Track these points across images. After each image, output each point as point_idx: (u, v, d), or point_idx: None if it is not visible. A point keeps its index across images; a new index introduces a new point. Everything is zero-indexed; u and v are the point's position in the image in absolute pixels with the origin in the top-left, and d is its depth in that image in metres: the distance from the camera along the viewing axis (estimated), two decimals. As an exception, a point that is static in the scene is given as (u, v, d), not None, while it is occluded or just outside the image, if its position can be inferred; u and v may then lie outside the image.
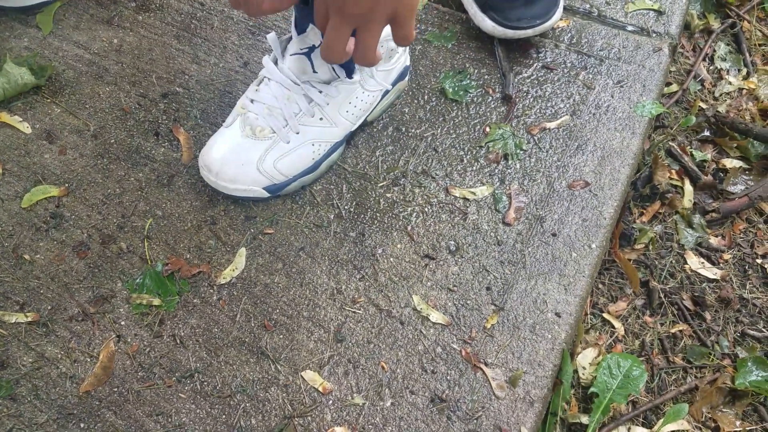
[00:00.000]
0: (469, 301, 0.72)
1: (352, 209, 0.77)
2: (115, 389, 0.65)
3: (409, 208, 0.78)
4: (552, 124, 0.85)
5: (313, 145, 0.74)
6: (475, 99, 0.86)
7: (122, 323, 0.68)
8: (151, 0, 0.91)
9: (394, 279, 0.73)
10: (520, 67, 0.89)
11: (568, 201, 0.79)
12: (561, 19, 0.95)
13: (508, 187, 0.80)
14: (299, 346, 0.69)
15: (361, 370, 0.68)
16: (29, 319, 0.68)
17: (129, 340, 0.68)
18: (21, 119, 0.79)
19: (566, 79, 0.89)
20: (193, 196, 0.76)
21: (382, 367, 0.68)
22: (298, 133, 0.73)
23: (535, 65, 0.90)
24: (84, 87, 0.82)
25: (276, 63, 0.73)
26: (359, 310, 0.71)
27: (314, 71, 0.70)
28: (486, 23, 0.89)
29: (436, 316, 0.71)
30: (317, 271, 0.73)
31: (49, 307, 0.69)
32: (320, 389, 0.66)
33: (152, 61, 0.85)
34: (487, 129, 0.84)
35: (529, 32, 0.88)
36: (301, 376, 0.67)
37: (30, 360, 0.66)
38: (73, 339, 0.67)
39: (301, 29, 0.69)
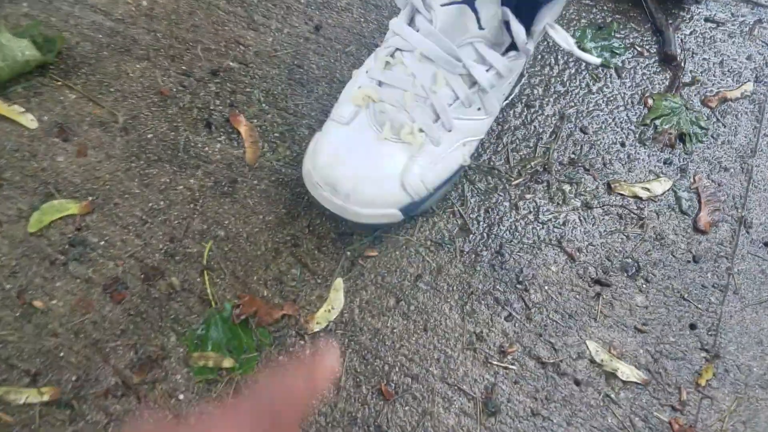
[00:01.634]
0: (668, 346, 0.51)
1: (480, 218, 0.56)
2: (177, 502, 0.44)
3: (561, 215, 0.56)
4: (734, 93, 0.63)
5: (464, 145, 0.51)
6: (627, 63, 0.64)
7: (180, 397, 0.47)
8: (186, -48, 0.69)
9: (555, 317, 0.52)
10: (677, 21, 0.67)
11: (777, 197, 0.57)
12: (719, -42, 0.73)
13: (693, 180, 0.58)
14: (435, 422, 0.47)
15: (530, 455, 0.46)
16: (45, 398, 0.46)
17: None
18: (23, 109, 0.58)
19: (740, 35, 0.66)
20: (264, 208, 0.55)
21: (560, 451, 0.47)
22: (450, 131, 0.50)
23: (695, 18, 0.68)
24: (107, 64, 0.61)
25: (410, 23, 0.50)
26: (513, 365, 0.50)
27: (480, 27, 0.47)
28: (632, -37, 0.67)
29: (626, 372, 0.49)
30: (445, 308, 0.52)
31: (74, 378, 0.47)
32: (475, 488, 0.45)
33: (195, 28, 0.63)
34: (650, 101, 0.62)
35: (692, -27, 0.66)
36: (445, 468, 0.46)
37: (49, 459, 0.45)
38: (111, 425, 0.46)
39: None
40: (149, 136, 0.57)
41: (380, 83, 0.49)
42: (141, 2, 0.64)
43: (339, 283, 0.52)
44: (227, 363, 0.48)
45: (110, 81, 0.60)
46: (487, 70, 0.49)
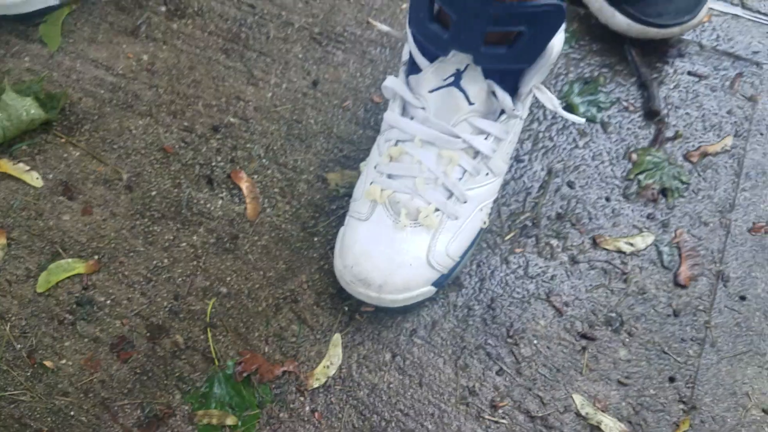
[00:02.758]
0: (649, 399, 0.55)
1: (472, 272, 0.60)
2: None
3: (550, 270, 0.60)
4: (714, 148, 0.68)
5: (481, 210, 0.56)
6: (612, 117, 0.69)
7: (187, 455, 0.51)
8: (187, 2, 0.72)
9: (544, 371, 0.56)
10: (660, 75, 0.72)
11: (753, 250, 0.62)
12: (701, 12, 0.77)
13: (674, 234, 0.62)
14: (430, 475, 0.51)
15: (519, 507, 0.50)
16: (57, 456, 0.50)
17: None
18: (28, 167, 0.61)
19: (721, 89, 0.71)
20: (264, 264, 0.58)
21: (548, 502, 0.51)
22: (466, 202, 0.54)
23: (678, 73, 0.72)
24: (109, 120, 0.64)
25: (403, 113, 0.54)
26: (503, 419, 0.54)
27: (470, 103, 0.51)
28: (618, 19, 0.71)
29: (609, 424, 0.54)
30: (439, 362, 0.56)
31: (84, 436, 0.51)
32: None
33: (196, 83, 0.66)
34: (634, 156, 0.67)
35: (676, 30, 0.70)
36: None
37: None
38: (120, 483, 0.49)
39: (433, 56, 0.51)
40: (153, 193, 0.61)
41: (390, 176, 0.53)
42: (141, 57, 0.68)
43: (337, 338, 0.56)
44: (230, 421, 0.51)
45: (113, 137, 0.63)
46: (485, 138, 0.53)
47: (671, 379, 0.56)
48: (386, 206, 0.52)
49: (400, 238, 0.52)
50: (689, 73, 0.72)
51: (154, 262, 0.58)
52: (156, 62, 0.68)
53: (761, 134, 0.68)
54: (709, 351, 0.57)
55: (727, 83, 0.71)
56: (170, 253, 0.58)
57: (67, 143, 0.62)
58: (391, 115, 0.54)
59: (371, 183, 0.54)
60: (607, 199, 0.64)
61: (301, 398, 0.53)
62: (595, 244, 0.61)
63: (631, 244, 0.62)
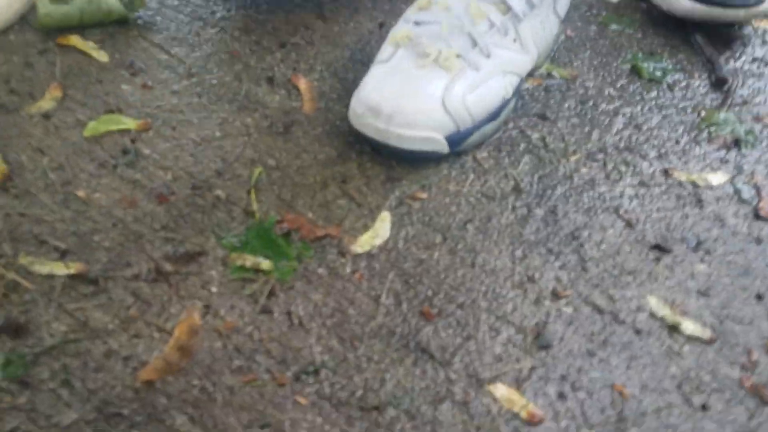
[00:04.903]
0: (734, 311, 0.51)
1: (534, 182, 0.59)
2: (196, 382, 0.43)
3: (618, 189, 0.59)
4: (786, 116, 0.69)
5: (504, 77, 0.58)
6: (678, 81, 0.71)
7: (213, 289, 0.48)
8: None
9: (613, 272, 0.52)
10: (725, 55, 0.75)
11: (839, 199, 0.60)
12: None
13: (751, 177, 0.61)
14: (481, 347, 0.47)
15: (586, 392, 0.45)
16: (71, 271, 0.47)
17: (222, 313, 0.46)
18: (97, 47, 0.65)
19: (788, 73, 0.74)
20: (316, 149, 0.59)
21: (621, 393, 0.45)
22: (489, 57, 0.57)
23: (743, 57, 0.76)
24: (182, 26, 0.69)
25: None
26: (567, 307, 0.50)
27: None
28: (681, 3, 0.77)
29: (691, 327, 0.49)
30: (494, 250, 0.53)
31: (105, 260, 0.49)
32: (523, 415, 0.43)
33: (268, 11, 0.72)
34: (703, 113, 0.68)
35: (741, 14, 0.75)
36: (489, 391, 0.44)
37: (63, 328, 0.45)
38: (135, 304, 0.46)
39: None
40: (214, 82, 0.64)
41: (416, 23, 0.57)
42: (221, -12, 0.75)
43: (386, 215, 0.54)
44: (265, 266, 0.49)
45: (183, 37, 0.68)
46: None
47: (759, 297, 0.52)
48: (408, 48, 0.55)
49: (417, 75, 0.54)
50: (754, 59, 0.75)
51: (206, 131, 0.59)
52: (233, -6, 0.75)
53: (836, 111, 0.70)
54: (800, 279, 0.54)
55: (794, 71, 0.74)
56: (223, 128, 0.60)
57: (138, 36, 0.67)
58: None
59: (397, 30, 0.57)
60: (677, 142, 0.64)
61: (342, 260, 0.51)
62: (666, 174, 0.61)
63: (705, 179, 0.61)
